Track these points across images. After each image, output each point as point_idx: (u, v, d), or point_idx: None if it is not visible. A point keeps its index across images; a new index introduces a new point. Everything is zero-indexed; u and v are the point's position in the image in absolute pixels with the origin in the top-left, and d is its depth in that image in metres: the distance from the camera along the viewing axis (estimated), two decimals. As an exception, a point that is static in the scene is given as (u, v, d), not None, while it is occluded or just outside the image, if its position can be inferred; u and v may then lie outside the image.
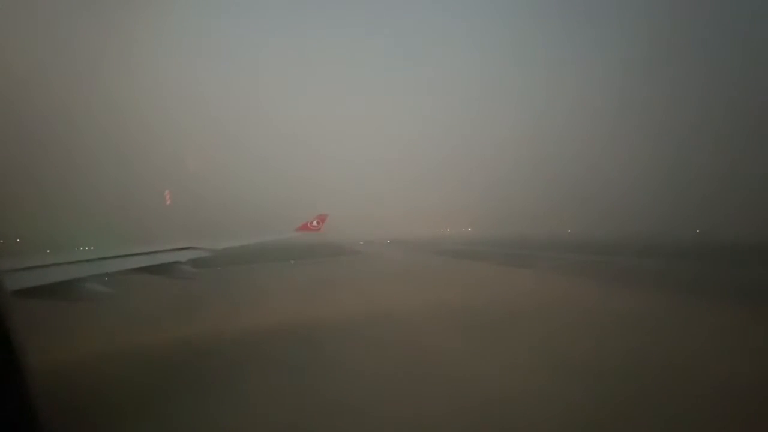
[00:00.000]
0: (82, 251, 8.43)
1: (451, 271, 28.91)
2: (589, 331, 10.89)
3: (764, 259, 27.63)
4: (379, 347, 10.03)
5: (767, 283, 19.30)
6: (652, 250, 39.15)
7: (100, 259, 6.64)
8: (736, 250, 35.44)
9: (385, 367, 8.58)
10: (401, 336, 10.97)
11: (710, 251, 34.84)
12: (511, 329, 11.40)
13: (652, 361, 8.40)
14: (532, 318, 12.74)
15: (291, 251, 35.89)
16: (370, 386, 7.61)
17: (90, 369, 8.88)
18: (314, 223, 15.22)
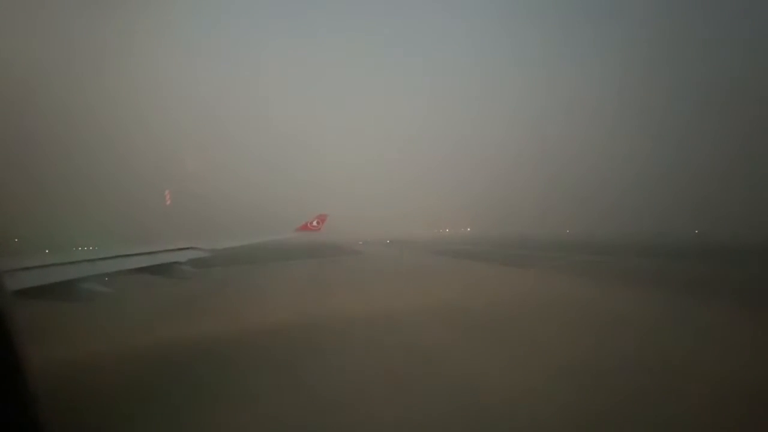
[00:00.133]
0: (81, 251, 8.43)
1: (451, 270, 28.92)
2: (588, 331, 10.89)
3: (763, 259, 27.68)
4: (379, 347, 10.02)
5: (763, 283, 19.31)
6: (651, 250, 39.20)
7: (99, 259, 6.64)
8: (735, 250, 35.47)
9: (385, 367, 8.58)
10: (401, 336, 10.97)
11: (709, 251, 34.88)
12: (511, 329, 11.40)
13: (652, 361, 8.40)
14: (532, 318, 12.74)
15: (291, 251, 35.93)
16: (370, 386, 7.61)
17: (90, 369, 8.87)
18: (314, 223, 15.25)
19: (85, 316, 11.42)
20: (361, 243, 64.35)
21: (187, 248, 8.82)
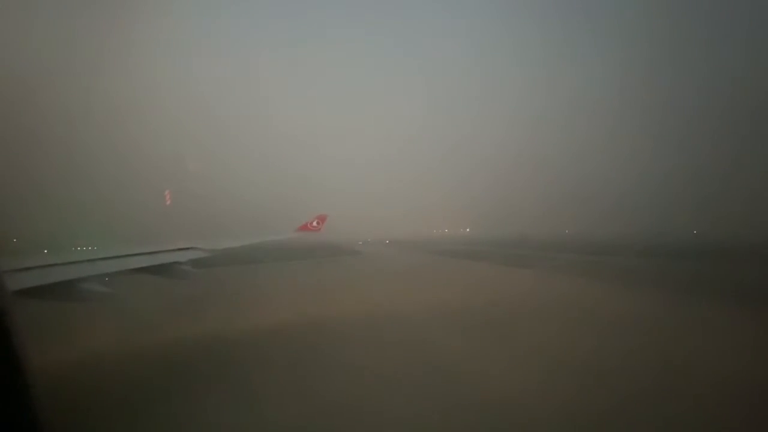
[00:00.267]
0: (81, 251, 8.44)
1: (451, 271, 28.92)
2: (588, 331, 10.90)
3: (763, 260, 27.66)
4: (380, 347, 10.03)
5: (763, 283, 19.31)
6: (650, 250, 39.19)
7: (99, 259, 6.64)
8: (734, 250, 35.47)
9: (385, 366, 8.58)
10: (401, 336, 10.97)
11: (708, 251, 34.87)
12: (510, 329, 11.40)
13: (652, 361, 8.40)
14: (532, 318, 12.75)
15: (291, 251, 35.89)
16: (370, 386, 7.61)
17: (90, 369, 8.87)
18: (314, 223, 15.24)
19: (85, 316, 11.40)
20: (360, 243, 64.33)
21: (188, 248, 8.82)
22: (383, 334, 11.33)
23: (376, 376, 8.09)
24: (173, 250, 8.35)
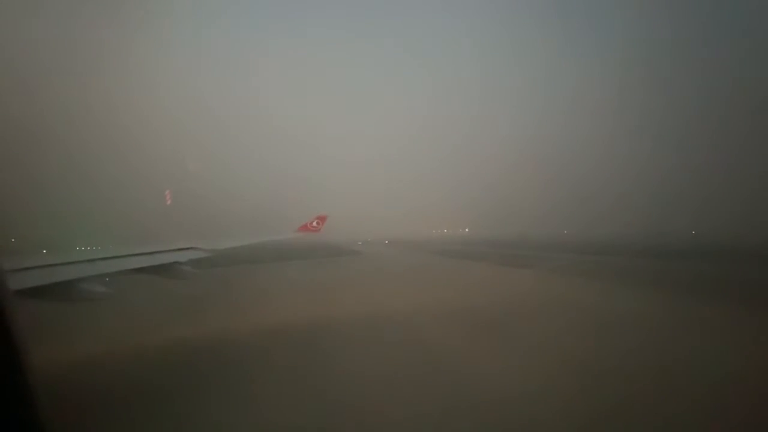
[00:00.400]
0: (82, 251, 8.44)
1: (450, 271, 28.92)
2: (587, 331, 10.90)
3: (763, 260, 27.70)
4: (380, 347, 10.03)
5: (764, 283, 19.33)
6: (649, 250, 39.22)
7: (99, 259, 6.65)
8: (732, 250, 35.49)
9: (385, 366, 8.58)
10: (401, 336, 10.97)
11: (708, 251, 34.89)
12: (510, 329, 11.40)
13: (651, 361, 8.40)
14: (531, 318, 12.75)
15: (291, 251, 35.91)
16: (371, 386, 7.60)
17: (90, 369, 8.87)
18: (314, 223, 15.26)
19: (85, 316, 11.40)
20: (360, 243, 64.38)
21: (188, 248, 8.83)
22: (383, 334, 11.33)
23: (376, 376, 8.09)
24: (173, 250, 8.36)
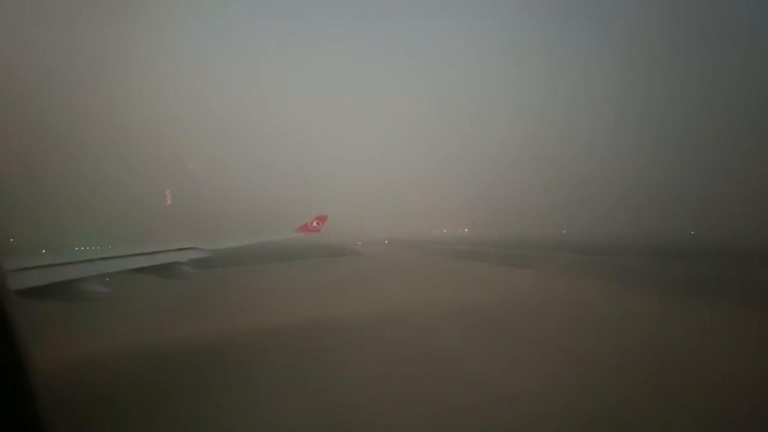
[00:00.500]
0: (82, 251, 8.43)
1: (450, 271, 28.91)
2: (587, 331, 10.90)
3: (763, 260, 27.69)
4: (380, 347, 10.03)
5: (763, 283, 19.33)
6: (649, 250, 39.22)
7: (100, 259, 6.64)
8: (734, 250, 35.48)
9: (386, 366, 8.58)
10: (402, 335, 10.97)
11: (708, 252, 34.89)
12: (511, 329, 11.41)
13: (651, 361, 8.40)
14: (531, 317, 12.76)
15: (290, 251, 35.90)
16: (371, 386, 7.61)
17: (90, 369, 8.87)
18: (314, 224, 15.23)
19: (85, 316, 11.40)
20: (359, 243, 64.35)
21: (188, 248, 8.82)
22: (383, 334, 11.33)
23: (376, 375, 8.09)
24: (173, 250, 8.36)
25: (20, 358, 1.48)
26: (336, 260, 36.78)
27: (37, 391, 1.50)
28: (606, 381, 7.45)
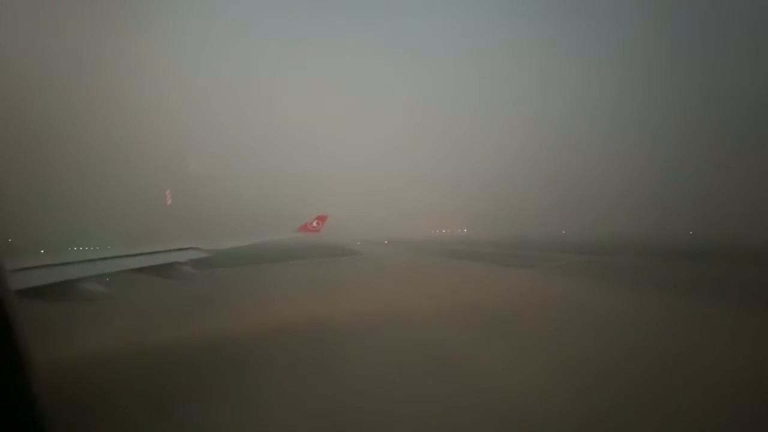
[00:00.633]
0: (82, 251, 8.43)
1: (450, 271, 28.93)
2: (587, 331, 10.90)
3: (763, 260, 27.70)
4: (380, 347, 10.03)
5: (763, 283, 19.34)
6: (649, 250, 39.25)
7: (99, 259, 6.65)
8: (733, 250, 35.49)
9: (386, 367, 8.58)
10: (402, 336, 10.97)
11: (708, 252, 34.90)
12: (510, 329, 11.40)
13: (651, 361, 8.41)
14: (531, 318, 12.76)
15: (290, 251, 35.93)
16: (371, 386, 7.60)
17: (90, 370, 8.86)
18: (313, 224, 15.24)
19: (85, 316, 11.40)
20: (359, 243, 64.41)
21: (188, 248, 8.83)
22: (383, 334, 11.33)
23: (376, 376, 8.09)
24: (173, 250, 8.36)
25: (20, 358, 1.48)
26: (336, 260, 36.79)
27: (37, 391, 1.50)
28: (605, 381, 7.44)
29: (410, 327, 12.03)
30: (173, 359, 9.51)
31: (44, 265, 5.53)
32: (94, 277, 5.90)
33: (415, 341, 10.44)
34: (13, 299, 1.58)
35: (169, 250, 8.29)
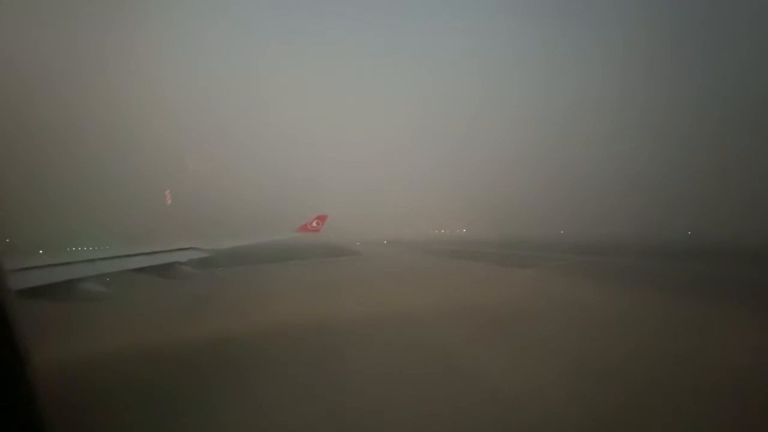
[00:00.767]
0: (82, 251, 8.43)
1: (449, 271, 28.93)
2: (587, 331, 10.91)
3: (763, 260, 27.73)
4: (380, 347, 10.03)
5: (762, 283, 19.35)
6: (649, 250, 39.27)
7: (99, 259, 6.64)
8: (733, 250, 35.51)
9: (386, 367, 8.58)
10: (401, 336, 10.98)
11: (707, 252, 34.92)
12: (510, 329, 11.41)
13: (651, 361, 8.41)
14: (531, 318, 12.76)
15: (290, 251, 35.96)
16: (371, 387, 7.60)
17: (90, 369, 8.87)
18: (313, 224, 15.23)
19: (85, 316, 11.40)
20: (358, 243, 64.44)
21: (188, 248, 8.82)
22: (383, 334, 11.33)
23: (376, 376, 8.09)
24: (173, 250, 8.35)
25: (20, 358, 1.48)
26: (335, 260, 36.80)
27: (37, 391, 1.50)
28: (605, 381, 7.44)
29: (410, 327, 12.03)
30: (173, 359, 9.51)
31: (44, 265, 5.52)
32: (94, 277, 5.89)
33: (415, 341, 10.44)
34: (13, 299, 1.58)
35: (169, 250, 8.28)
